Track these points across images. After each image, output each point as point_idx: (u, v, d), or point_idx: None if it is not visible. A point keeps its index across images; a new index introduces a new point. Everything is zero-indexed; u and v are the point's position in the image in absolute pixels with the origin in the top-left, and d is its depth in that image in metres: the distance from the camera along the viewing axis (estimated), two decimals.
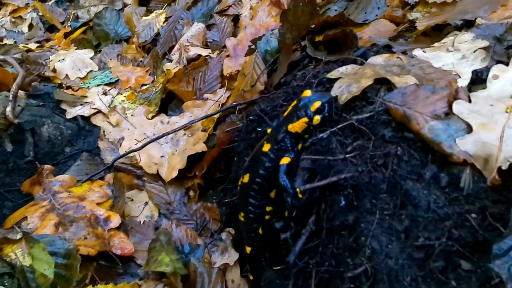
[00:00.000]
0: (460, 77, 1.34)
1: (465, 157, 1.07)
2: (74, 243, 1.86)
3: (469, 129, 1.12)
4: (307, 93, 1.44)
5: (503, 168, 0.99)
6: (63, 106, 2.72)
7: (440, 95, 1.15)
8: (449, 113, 1.17)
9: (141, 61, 3.47)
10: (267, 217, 1.52)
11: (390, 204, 1.15)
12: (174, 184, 2.37)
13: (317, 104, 1.35)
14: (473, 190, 1.07)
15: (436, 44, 1.59)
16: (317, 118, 1.35)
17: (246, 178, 1.52)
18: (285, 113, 1.48)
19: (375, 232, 1.13)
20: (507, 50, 1.39)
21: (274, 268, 1.61)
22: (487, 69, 1.32)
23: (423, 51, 1.49)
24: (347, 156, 1.22)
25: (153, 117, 2.72)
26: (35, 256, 1.74)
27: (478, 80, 1.34)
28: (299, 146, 1.41)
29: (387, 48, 1.64)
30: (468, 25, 1.66)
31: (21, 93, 2.38)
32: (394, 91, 1.22)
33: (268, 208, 1.51)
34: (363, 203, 1.19)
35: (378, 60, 1.48)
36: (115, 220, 2.03)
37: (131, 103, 2.97)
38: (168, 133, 2.19)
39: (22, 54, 3.07)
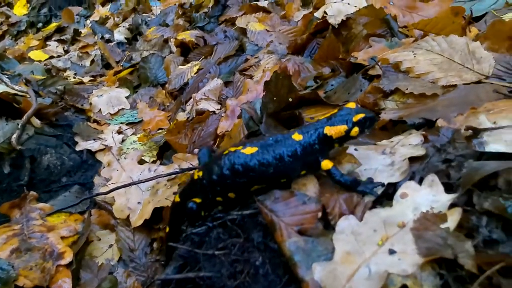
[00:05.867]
0: None
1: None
2: (18, 272, 1.95)
3: (333, 254, 0.95)
4: (351, 104, 1.38)
5: None
6: (77, 138, 2.96)
7: (310, 208, 1.01)
8: (323, 229, 1.01)
9: (167, 106, 3.67)
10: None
11: None
12: (142, 232, 2.38)
13: (360, 116, 1.28)
14: None
15: (383, 142, 1.42)
16: (355, 130, 1.28)
17: (250, 150, 1.28)
18: (322, 117, 1.40)
19: None
20: (443, 164, 1.18)
21: None
22: None
23: (355, 149, 1.34)
24: (216, 253, 1.11)
25: (153, 161, 2.85)
26: None
27: None
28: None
29: None
30: (430, 125, 1.46)
31: (37, 122, 2.66)
32: (269, 192, 1.10)
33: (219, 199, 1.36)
34: None
35: None
36: (68, 258, 2.09)
37: (142, 145, 3.12)
38: (132, 184, 2.23)
39: (65, 86, 3.46)
